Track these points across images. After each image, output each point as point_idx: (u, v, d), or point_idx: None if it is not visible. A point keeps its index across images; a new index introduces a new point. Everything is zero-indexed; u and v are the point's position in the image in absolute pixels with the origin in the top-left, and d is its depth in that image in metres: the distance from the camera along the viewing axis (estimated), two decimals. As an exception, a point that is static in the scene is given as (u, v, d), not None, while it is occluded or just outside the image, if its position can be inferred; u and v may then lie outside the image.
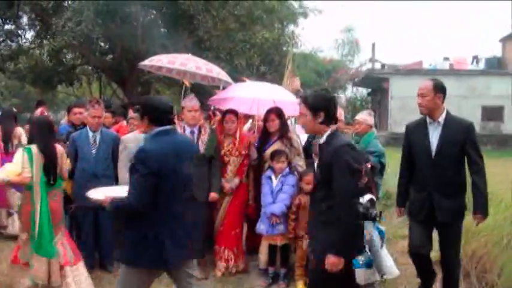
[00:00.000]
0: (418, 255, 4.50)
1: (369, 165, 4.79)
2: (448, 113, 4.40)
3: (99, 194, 3.72)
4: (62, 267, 4.62)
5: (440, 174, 4.35)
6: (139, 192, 3.34)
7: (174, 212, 3.46)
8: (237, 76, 8.15)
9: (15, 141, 6.89)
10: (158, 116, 3.56)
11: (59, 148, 4.86)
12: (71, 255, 4.70)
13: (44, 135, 4.69)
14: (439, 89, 4.35)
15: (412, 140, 4.60)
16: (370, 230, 4.56)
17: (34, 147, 4.51)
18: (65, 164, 4.93)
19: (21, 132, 7.05)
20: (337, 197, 3.25)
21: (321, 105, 3.42)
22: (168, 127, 3.57)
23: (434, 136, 4.40)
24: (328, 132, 3.43)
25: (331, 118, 3.44)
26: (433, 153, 4.37)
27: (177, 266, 3.64)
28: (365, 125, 5.64)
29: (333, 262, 3.24)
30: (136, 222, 3.43)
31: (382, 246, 4.69)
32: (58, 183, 4.79)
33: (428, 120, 4.45)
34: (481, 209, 4.27)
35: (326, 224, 3.33)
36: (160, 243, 3.41)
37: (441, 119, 4.37)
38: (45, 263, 4.48)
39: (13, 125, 7.03)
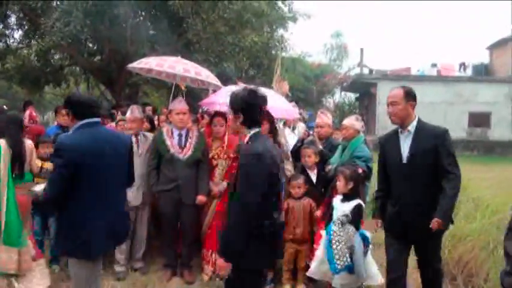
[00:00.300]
0: (394, 279, 4.28)
1: (360, 170, 4.81)
2: (419, 121, 4.21)
3: (40, 187, 3.81)
4: (34, 259, 4.72)
5: (412, 186, 4.12)
6: (52, 184, 3.42)
7: (97, 203, 3.50)
8: (230, 77, 8.14)
9: None
10: (81, 110, 3.63)
11: (29, 144, 4.97)
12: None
13: (13, 130, 4.77)
14: (411, 96, 4.18)
15: (385, 151, 4.43)
16: (351, 236, 4.58)
17: (3, 142, 4.59)
18: (34, 159, 5.10)
19: None
20: (236, 204, 3.21)
21: (239, 107, 3.36)
22: (91, 120, 3.62)
23: (405, 146, 4.18)
24: (249, 135, 3.37)
25: (252, 121, 3.37)
26: (404, 165, 4.16)
27: (100, 256, 3.78)
28: (352, 130, 5.63)
29: (220, 264, 3.26)
30: (62, 213, 3.52)
31: (366, 253, 4.65)
32: (27, 178, 4.92)
33: (399, 130, 4.28)
34: (441, 214, 3.91)
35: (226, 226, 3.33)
36: (84, 233, 3.46)
37: (411, 127, 4.16)
38: (16, 253, 4.52)
39: None
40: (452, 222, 4.13)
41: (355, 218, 4.65)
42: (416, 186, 4.12)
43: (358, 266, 4.53)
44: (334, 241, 4.59)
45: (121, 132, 5.74)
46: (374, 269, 4.71)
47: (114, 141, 3.70)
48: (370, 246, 4.77)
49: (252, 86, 3.54)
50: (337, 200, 4.80)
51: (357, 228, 4.64)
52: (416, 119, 4.20)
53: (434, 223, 3.90)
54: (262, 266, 3.56)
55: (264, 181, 3.19)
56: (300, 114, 7.40)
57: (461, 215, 6.84)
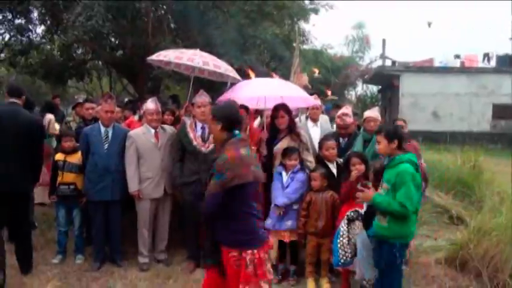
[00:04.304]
0: None
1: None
2: None
3: None
4: None
5: None
6: None
7: None
8: (245, 69, 8.12)
9: None
10: None
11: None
12: None
13: None
14: None
15: None
16: (356, 233, 4.64)
17: None
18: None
19: None
20: None
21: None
22: None
23: None
24: None
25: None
26: None
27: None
28: (379, 122, 5.59)
29: None
30: None
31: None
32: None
33: None
34: None
35: None
36: None
37: None
38: None
39: None
40: None
41: (367, 215, 4.60)
42: None
43: (361, 265, 4.56)
44: (339, 235, 4.72)
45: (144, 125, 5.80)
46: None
47: None
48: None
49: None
50: None
51: (367, 226, 4.55)
52: None
53: None
54: None
55: None
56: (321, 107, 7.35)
57: (486, 209, 6.73)
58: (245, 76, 7.48)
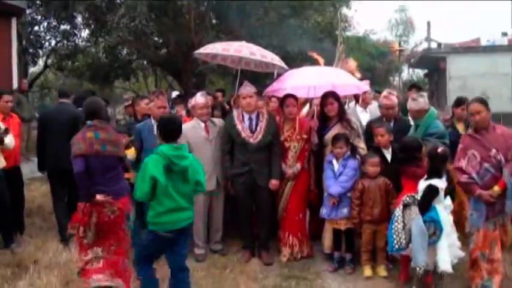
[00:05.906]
0: None
1: (440, 149, 4.62)
2: None
3: None
4: None
5: None
6: None
7: None
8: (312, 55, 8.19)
9: None
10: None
11: None
12: None
13: None
14: None
15: None
16: (412, 218, 4.54)
17: None
18: None
19: None
20: None
21: None
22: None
23: None
24: None
25: None
26: None
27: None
28: (413, 112, 5.40)
29: None
30: None
31: (434, 238, 4.45)
32: None
33: None
34: None
35: None
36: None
37: None
38: None
39: None
40: None
41: (422, 200, 4.54)
42: None
43: (414, 251, 4.46)
44: (394, 220, 4.68)
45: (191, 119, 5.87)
46: (443, 256, 4.45)
47: None
48: (448, 230, 4.55)
49: None
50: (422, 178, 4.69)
51: (423, 210, 4.50)
52: None
53: None
54: None
55: None
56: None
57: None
58: (313, 62, 7.47)
